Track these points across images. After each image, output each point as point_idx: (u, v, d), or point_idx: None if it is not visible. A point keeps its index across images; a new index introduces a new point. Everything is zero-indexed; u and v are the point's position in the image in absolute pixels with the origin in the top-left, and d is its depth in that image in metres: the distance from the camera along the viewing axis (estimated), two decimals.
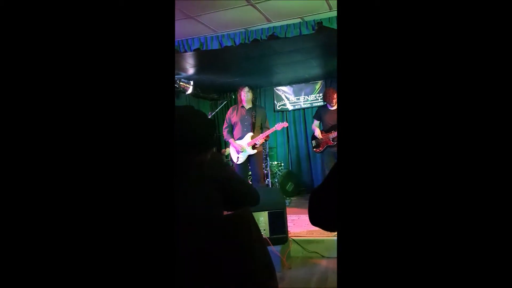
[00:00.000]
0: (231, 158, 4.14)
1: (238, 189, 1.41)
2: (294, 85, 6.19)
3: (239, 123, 4.01)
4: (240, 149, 3.96)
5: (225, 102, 4.64)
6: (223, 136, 4.25)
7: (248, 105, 4.02)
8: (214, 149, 5.47)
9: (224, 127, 4.13)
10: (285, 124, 4.16)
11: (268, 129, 4.10)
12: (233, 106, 4.17)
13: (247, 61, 4.58)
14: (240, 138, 4.00)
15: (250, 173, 4.85)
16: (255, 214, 2.60)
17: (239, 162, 4.02)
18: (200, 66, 4.71)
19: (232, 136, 4.05)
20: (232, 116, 4.06)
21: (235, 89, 6.23)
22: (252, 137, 3.98)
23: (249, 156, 4.01)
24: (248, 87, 4.04)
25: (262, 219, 2.86)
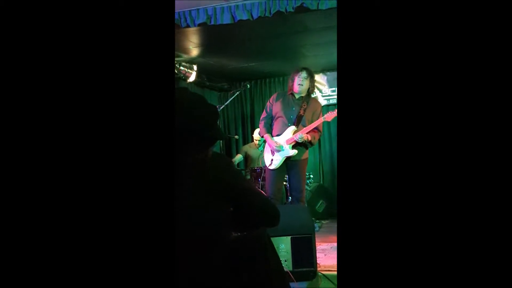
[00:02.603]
0: (263, 161, 3.89)
1: (251, 203, 1.38)
2: (328, 72, 6.17)
3: (282, 115, 3.73)
4: (274, 147, 3.69)
5: (237, 93, 4.62)
6: (259, 129, 3.94)
7: (299, 95, 3.75)
8: (223, 152, 5.50)
9: (262, 117, 3.87)
10: (335, 114, 3.69)
11: (319, 129, 3.74)
12: (279, 92, 3.94)
13: (268, 41, 4.58)
14: (279, 135, 3.75)
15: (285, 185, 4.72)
16: (274, 240, 2.57)
17: (272, 167, 3.75)
18: (207, 46, 4.74)
19: (270, 131, 3.80)
20: (275, 104, 3.79)
21: (251, 78, 6.33)
22: (294, 133, 3.67)
23: (289, 163, 3.73)
24: (307, 72, 3.70)
25: (283, 246, 2.83)
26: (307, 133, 3.64)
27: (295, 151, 3.67)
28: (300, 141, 3.63)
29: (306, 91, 3.75)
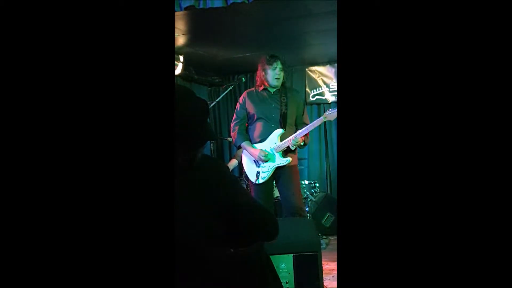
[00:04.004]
0: (245, 175, 3.71)
1: (245, 215, 1.39)
2: (336, 64, 6.17)
3: (262, 116, 3.60)
4: (261, 157, 3.52)
5: (230, 88, 4.56)
6: (231, 138, 3.81)
7: (275, 89, 3.65)
8: (214, 155, 5.51)
9: (233, 122, 3.74)
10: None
11: (307, 124, 3.58)
12: (248, 91, 3.77)
13: (266, 27, 4.59)
14: (262, 140, 3.61)
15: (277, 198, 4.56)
16: (274, 258, 2.56)
17: (260, 181, 3.59)
18: (195, 33, 4.75)
19: (247, 138, 3.67)
20: (249, 104, 3.66)
21: (246, 70, 6.31)
22: (282, 137, 3.54)
23: (278, 172, 3.59)
24: (281, 62, 3.56)
25: (284, 266, 2.83)
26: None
27: (288, 159, 3.54)
28: (294, 147, 3.52)
29: (281, 83, 3.62)
